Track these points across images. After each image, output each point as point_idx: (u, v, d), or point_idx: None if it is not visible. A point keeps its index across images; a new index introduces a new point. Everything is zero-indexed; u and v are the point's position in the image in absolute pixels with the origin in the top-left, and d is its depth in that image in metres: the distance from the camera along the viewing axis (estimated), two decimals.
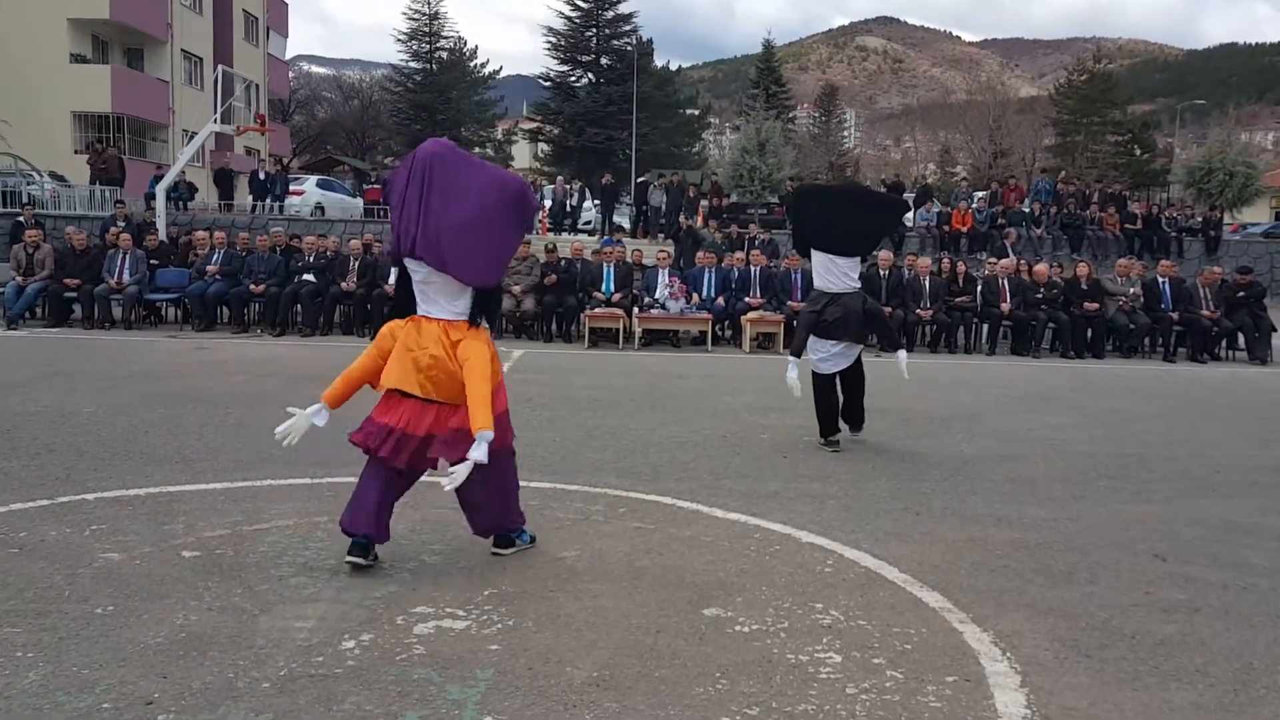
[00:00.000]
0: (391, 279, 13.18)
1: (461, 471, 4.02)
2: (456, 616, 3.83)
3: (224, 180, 27.36)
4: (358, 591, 4.08)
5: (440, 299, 4.27)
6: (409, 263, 4.29)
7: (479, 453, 4.02)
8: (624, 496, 5.71)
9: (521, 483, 5.83)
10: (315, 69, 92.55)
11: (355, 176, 41.24)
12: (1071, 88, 65.57)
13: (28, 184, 23.88)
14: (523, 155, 69.70)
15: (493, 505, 4.46)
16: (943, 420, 8.48)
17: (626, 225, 29.11)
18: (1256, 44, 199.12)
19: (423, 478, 4.59)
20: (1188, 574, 4.65)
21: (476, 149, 60.18)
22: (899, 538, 5.08)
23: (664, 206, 24.72)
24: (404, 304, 4.41)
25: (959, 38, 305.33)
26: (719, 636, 3.72)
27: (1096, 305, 14.34)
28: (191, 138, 33.42)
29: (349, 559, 4.25)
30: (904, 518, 5.48)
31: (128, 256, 13.88)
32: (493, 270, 4.34)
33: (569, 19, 54.41)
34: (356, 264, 14.22)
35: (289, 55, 58.71)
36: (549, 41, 55.01)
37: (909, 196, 25.87)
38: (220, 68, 19.85)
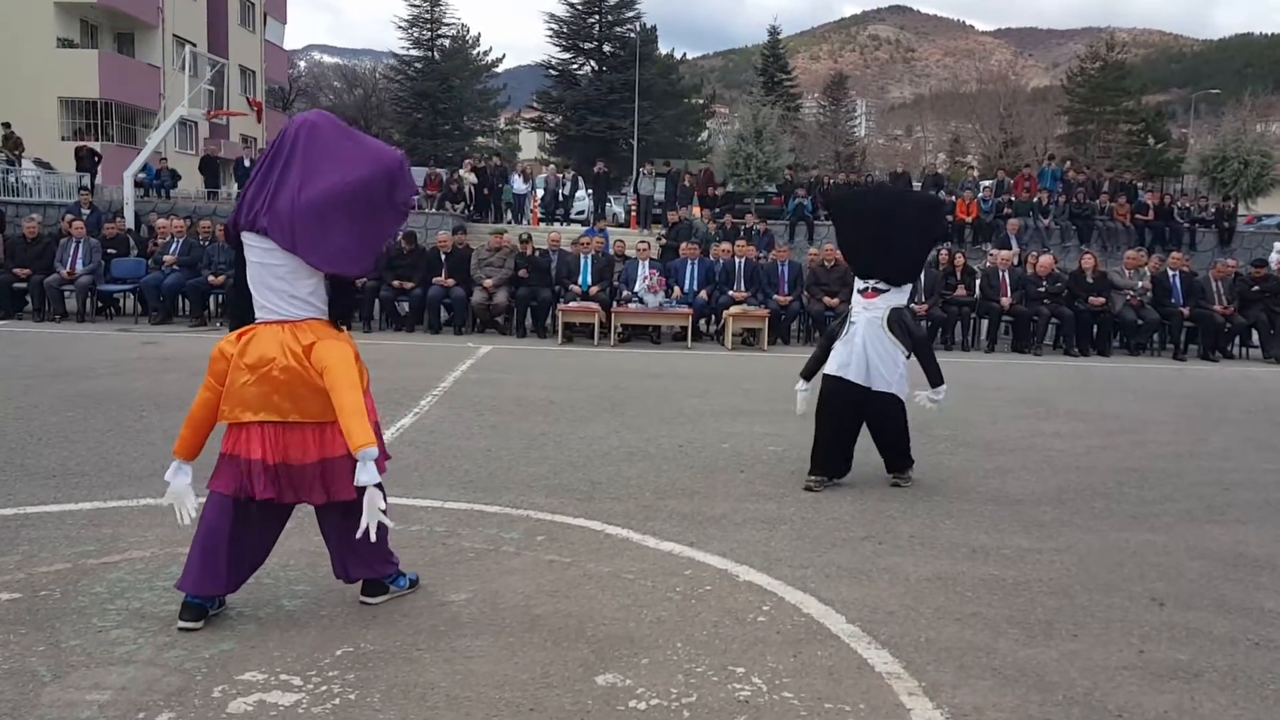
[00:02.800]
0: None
1: (370, 512, 3.39)
2: (290, 687, 3.13)
3: (209, 168, 26.69)
4: (184, 649, 3.39)
5: (280, 289, 3.52)
6: (246, 239, 3.56)
7: (367, 475, 3.34)
8: (547, 521, 5.01)
9: (435, 503, 5.26)
10: (326, 58, 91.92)
11: None
12: (1084, 76, 64.46)
13: (4, 171, 23.26)
14: (530, 146, 69.04)
15: (359, 546, 3.70)
16: (925, 427, 7.70)
17: (623, 215, 28.43)
18: (1272, 34, 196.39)
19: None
20: (1189, 624, 3.93)
21: (479, 138, 59.53)
22: (853, 575, 4.37)
23: (657, 196, 23.93)
24: (245, 302, 3.69)
25: (972, 27, 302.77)
26: (607, 717, 3.02)
27: (1102, 300, 13.57)
28: (181, 124, 32.83)
29: (181, 624, 3.53)
30: (863, 548, 4.76)
31: (81, 245, 13.21)
32: (351, 257, 3.58)
33: (571, 5, 53.56)
34: None
35: (301, 44, 58.10)
36: (551, 28, 54.22)
37: (916, 185, 25.11)
38: (188, 49, 19.20)
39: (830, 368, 5.86)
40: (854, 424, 5.89)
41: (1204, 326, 13.67)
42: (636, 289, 12.98)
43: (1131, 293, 13.73)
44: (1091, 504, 5.71)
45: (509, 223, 25.17)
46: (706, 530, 4.93)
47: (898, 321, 5.77)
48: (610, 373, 10.34)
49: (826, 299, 13.14)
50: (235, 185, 26.02)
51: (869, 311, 5.78)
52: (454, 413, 7.75)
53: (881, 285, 5.77)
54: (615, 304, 12.98)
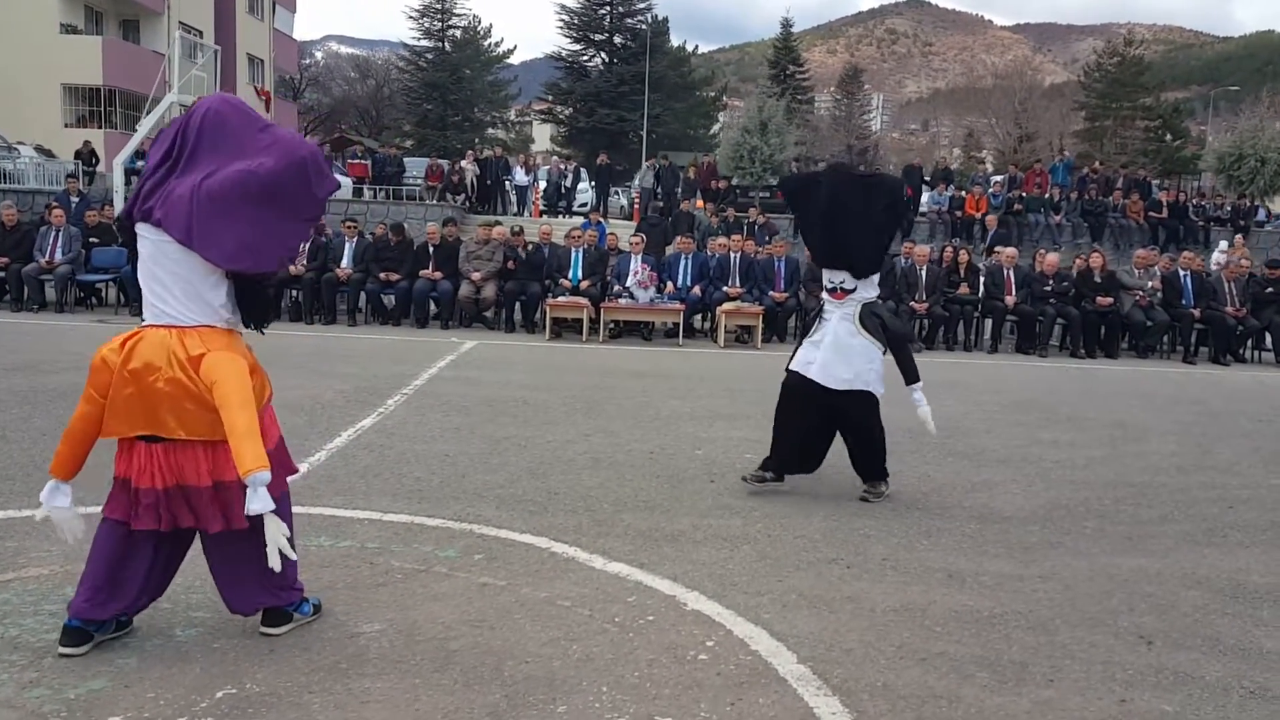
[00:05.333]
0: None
1: (274, 543, 3.09)
2: None
3: None
4: (49, 687, 3.04)
5: (173, 288, 3.17)
6: (140, 231, 3.21)
7: (258, 503, 3.02)
8: (490, 536, 4.64)
9: (374, 515, 4.89)
10: (344, 49, 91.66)
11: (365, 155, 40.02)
12: (1102, 72, 63.76)
13: (1, 159, 23.02)
14: (543, 138, 68.71)
15: (255, 575, 3.35)
16: (915, 434, 7.27)
17: (628, 207, 28.02)
18: None
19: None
20: (1179, 667, 3.55)
21: (489, 130, 59.14)
22: (814, 604, 3.99)
23: (659, 189, 23.51)
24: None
25: (990, 21, 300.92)
26: None
27: (1110, 300, 13.12)
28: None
29: (62, 650, 3.21)
30: (829, 572, 4.38)
31: (60, 234, 12.90)
32: (255, 254, 3.21)
33: None
34: (307, 246, 13.18)
35: (318, 34, 57.79)
36: (562, 19, 53.83)
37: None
38: (178, 34, 18.87)
39: (795, 363, 5.54)
40: (819, 423, 5.55)
41: (1215, 328, 13.21)
42: (628, 284, 12.60)
43: (1141, 293, 13.28)
44: (1084, 524, 5.32)
45: (513, 214, 24.83)
46: (661, 549, 4.56)
47: (871, 315, 5.43)
48: (593, 371, 9.98)
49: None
50: None
51: (841, 309, 5.44)
52: (419, 413, 7.40)
53: (848, 284, 5.40)
54: (606, 299, 12.61)
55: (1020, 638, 3.75)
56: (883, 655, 3.54)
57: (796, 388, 5.50)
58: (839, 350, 5.37)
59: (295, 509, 4.88)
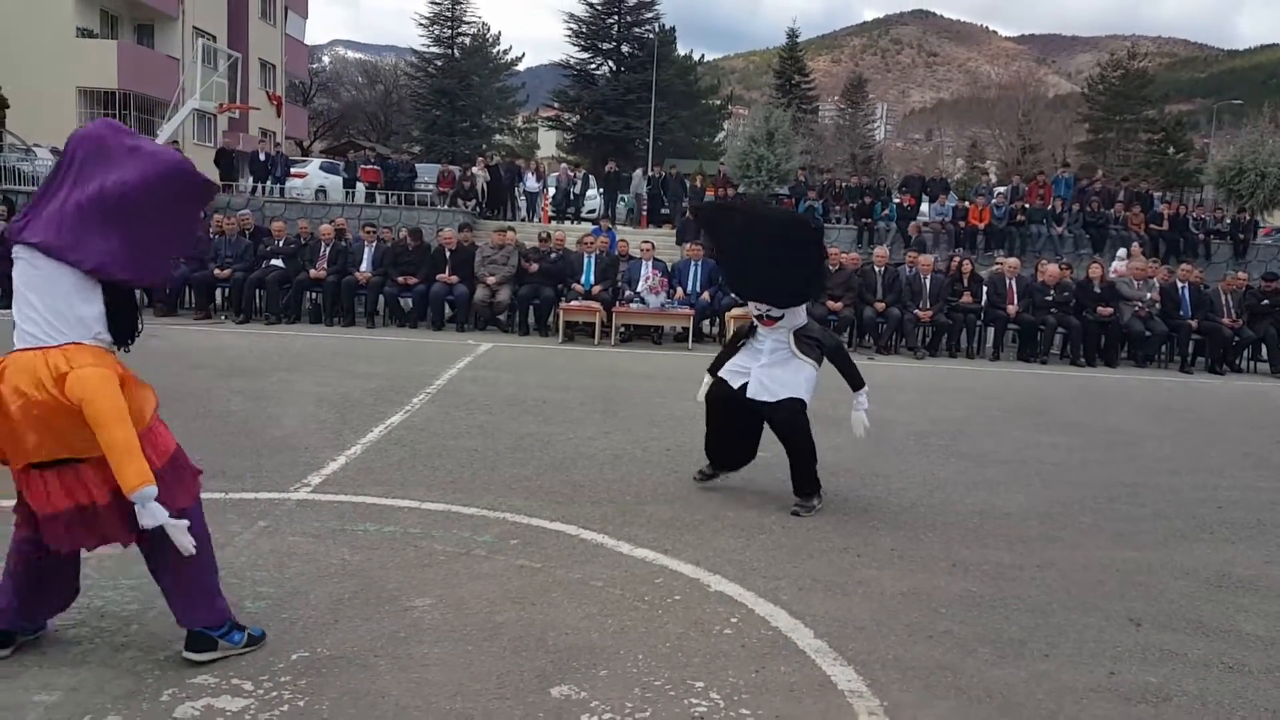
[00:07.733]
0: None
1: (181, 540, 3.12)
2: (240, 692, 3.11)
3: (224, 161, 26.73)
4: (139, 649, 3.37)
5: (39, 307, 3.08)
6: (15, 254, 3.13)
7: (149, 517, 3.04)
8: (522, 524, 4.97)
9: (412, 504, 5.22)
10: (351, 54, 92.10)
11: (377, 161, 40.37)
12: (1105, 84, 64.19)
13: (19, 160, 23.37)
14: (549, 144, 69.12)
15: (179, 591, 3.34)
16: (920, 435, 7.68)
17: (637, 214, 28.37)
18: None
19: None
20: (1165, 645, 3.86)
21: (496, 136, 59.55)
22: (827, 587, 4.31)
23: (665, 195, 23.89)
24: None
25: (995, 32, 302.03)
26: None
27: (1110, 310, 13.43)
28: (200, 117, 32.94)
29: None
30: (841, 560, 4.70)
31: None
32: (121, 263, 3.15)
33: (591, 5, 53.56)
34: (328, 250, 13.54)
35: (325, 39, 58.12)
36: (570, 28, 54.27)
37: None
38: (201, 42, 19.21)
39: (725, 370, 5.65)
40: (742, 423, 5.65)
41: (1212, 339, 13.52)
42: (639, 289, 12.93)
43: (1140, 304, 13.59)
44: (1080, 519, 5.63)
45: (523, 220, 25.21)
46: (683, 537, 4.88)
47: (804, 338, 5.50)
48: (607, 373, 10.30)
49: (830, 303, 13.06)
50: (251, 178, 26.03)
51: (773, 335, 5.48)
52: (444, 411, 7.72)
53: (774, 312, 5.40)
54: (617, 304, 12.94)
55: (1019, 619, 4.07)
56: (893, 632, 3.85)
57: (719, 394, 5.66)
58: (774, 368, 5.46)
59: (339, 496, 5.28)
